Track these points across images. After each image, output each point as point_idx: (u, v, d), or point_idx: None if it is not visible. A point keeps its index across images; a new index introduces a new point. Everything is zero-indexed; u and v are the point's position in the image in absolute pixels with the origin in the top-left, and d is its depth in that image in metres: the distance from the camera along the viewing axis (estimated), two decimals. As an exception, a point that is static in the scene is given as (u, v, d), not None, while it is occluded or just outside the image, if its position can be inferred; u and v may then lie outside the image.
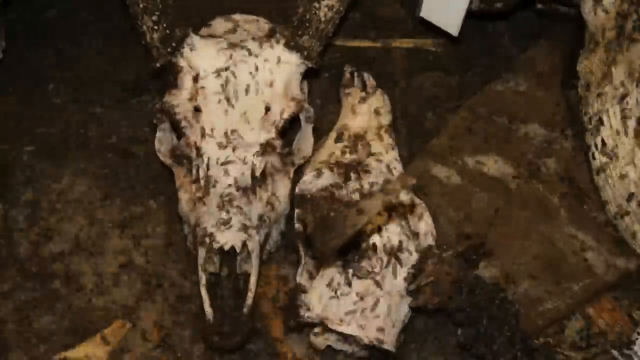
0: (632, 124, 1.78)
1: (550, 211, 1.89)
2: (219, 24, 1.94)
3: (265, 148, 1.75)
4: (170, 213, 1.87)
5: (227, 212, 1.65)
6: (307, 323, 1.66)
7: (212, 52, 1.78)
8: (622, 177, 1.80)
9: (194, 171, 1.74)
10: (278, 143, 1.79)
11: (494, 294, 1.61)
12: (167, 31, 1.77)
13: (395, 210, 1.70)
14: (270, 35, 1.85)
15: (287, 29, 1.80)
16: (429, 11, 1.96)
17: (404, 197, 1.73)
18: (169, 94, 1.80)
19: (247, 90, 1.77)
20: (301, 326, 1.70)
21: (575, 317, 1.78)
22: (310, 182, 1.74)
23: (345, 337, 1.64)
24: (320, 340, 1.67)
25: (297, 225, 1.74)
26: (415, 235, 1.71)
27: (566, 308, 1.78)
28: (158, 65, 1.80)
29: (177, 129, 1.80)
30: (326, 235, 1.47)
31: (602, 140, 1.84)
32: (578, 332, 1.76)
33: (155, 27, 1.76)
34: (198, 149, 1.73)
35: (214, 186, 1.69)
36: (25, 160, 1.93)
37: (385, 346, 1.62)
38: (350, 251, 1.64)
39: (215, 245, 1.62)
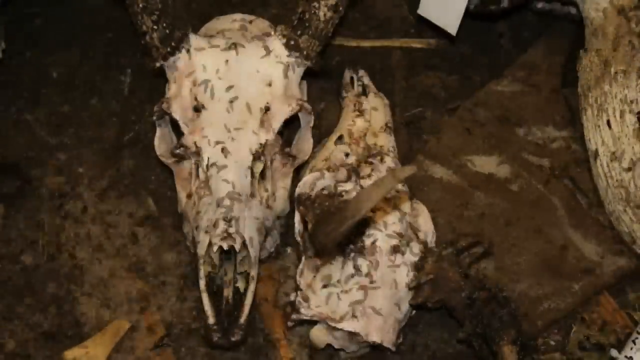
0: (632, 123, 1.78)
1: (550, 211, 1.89)
2: (219, 24, 1.95)
3: (265, 148, 1.75)
4: (170, 212, 1.87)
5: (227, 211, 1.65)
6: (307, 321, 1.67)
7: (212, 52, 1.78)
8: (622, 176, 1.79)
9: (193, 170, 1.74)
10: (278, 143, 1.79)
11: (493, 292, 1.61)
12: (167, 31, 1.77)
13: (394, 205, 1.70)
14: (269, 35, 1.85)
15: (287, 28, 1.80)
16: (427, 9, 1.95)
17: (402, 189, 1.74)
18: (168, 94, 1.80)
19: (246, 90, 1.77)
20: (301, 324, 1.70)
21: (576, 318, 1.78)
22: (311, 183, 1.74)
23: (345, 335, 1.64)
24: (320, 339, 1.67)
25: (297, 225, 1.74)
26: (415, 233, 1.71)
27: (566, 308, 1.78)
28: (158, 65, 1.80)
29: (177, 129, 1.80)
30: (326, 228, 1.47)
31: (602, 140, 1.84)
32: (578, 333, 1.76)
33: (155, 27, 1.76)
34: (198, 149, 1.73)
35: (213, 186, 1.69)
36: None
37: (386, 344, 1.62)
38: (350, 244, 1.64)
39: (215, 245, 1.62)
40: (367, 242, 1.65)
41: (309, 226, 1.62)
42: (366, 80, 1.96)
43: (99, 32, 2.16)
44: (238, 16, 1.96)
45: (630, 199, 1.78)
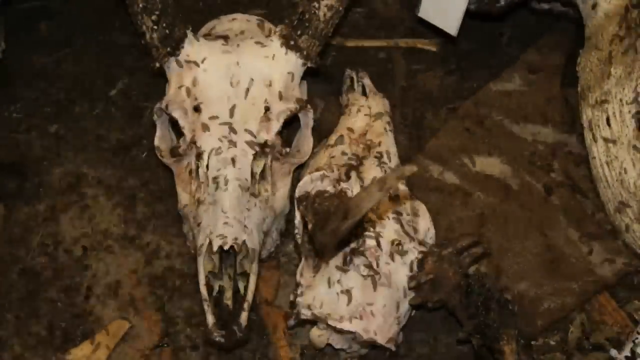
0: (631, 123, 1.78)
1: (550, 211, 1.89)
2: (219, 24, 1.95)
3: (265, 148, 1.75)
4: (171, 212, 1.87)
5: (227, 211, 1.65)
6: (307, 321, 1.66)
7: (212, 52, 1.78)
8: (622, 176, 1.79)
9: (193, 170, 1.74)
10: (277, 143, 1.79)
11: (493, 291, 1.61)
12: (167, 31, 1.77)
13: (394, 205, 1.70)
14: (269, 34, 1.85)
15: (287, 28, 1.80)
16: (427, 11, 1.96)
17: (402, 189, 1.74)
18: (168, 94, 1.80)
19: (246, 90, 1.77)
20: (301, 324, 1.70)
21: (576, 318, 1.78)
22: (311, 183, 1.74)
23: (345, 335, 1.64)
24: (320, 338, 1.67)
25: (297, 225, 1.74)
26: (415, 233, 1.71)
27: (566, 308, 1.77)
28: (158, 65, 1.80)
29: (177, 129, 1.80)
30: (326, 227, 1.47)
31: (602, 140, 1.84)
32: (578, 332, 1.76)
33: (155, 27, 1.76)
34: (198, 149, 1.73)
35: (213, 186, 1.69)
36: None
37: (386, 344, 1.62)
38: (350, 244, 1.64)
39: (215, 245, 1.62)
40: (367, 242, 1.65)
41: (309, 226, 1.62)
42: (366, 80, 1.96)
43: (99, 32, 2.16)
44: (238, 16, 1.97)
45: (630, 198, 1.78)
